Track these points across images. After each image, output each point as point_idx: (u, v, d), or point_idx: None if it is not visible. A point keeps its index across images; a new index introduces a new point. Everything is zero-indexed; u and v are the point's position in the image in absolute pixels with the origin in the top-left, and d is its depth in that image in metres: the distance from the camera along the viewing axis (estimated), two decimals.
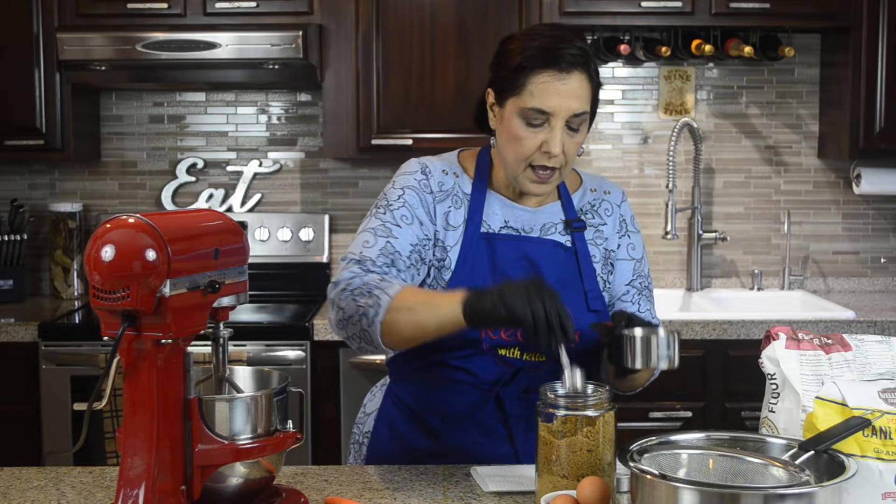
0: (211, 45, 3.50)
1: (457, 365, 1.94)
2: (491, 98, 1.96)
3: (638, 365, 1.73)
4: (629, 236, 2.08)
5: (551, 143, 1.87)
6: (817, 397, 1.61)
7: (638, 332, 1.73)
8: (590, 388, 1.69)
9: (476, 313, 1.68)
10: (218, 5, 3.62)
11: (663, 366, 1.73)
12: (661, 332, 1.73)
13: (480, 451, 1.97)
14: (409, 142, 3.65)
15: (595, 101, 1.93)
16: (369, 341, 1.83)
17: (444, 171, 2.02)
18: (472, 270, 1.95)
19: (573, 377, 1.66)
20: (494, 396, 1.96)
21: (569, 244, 2.01)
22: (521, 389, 1.96)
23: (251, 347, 3.36)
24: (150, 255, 1.47)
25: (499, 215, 2.00)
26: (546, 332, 1.63)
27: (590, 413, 1.64)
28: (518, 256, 1.97)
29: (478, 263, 1.95)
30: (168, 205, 4.00)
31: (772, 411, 1.70)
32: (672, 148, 3.78)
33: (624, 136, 4.04)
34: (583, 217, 2.04)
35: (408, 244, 1.93)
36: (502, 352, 1.94)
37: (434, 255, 1.97)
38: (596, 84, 1.92)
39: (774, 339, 1.72)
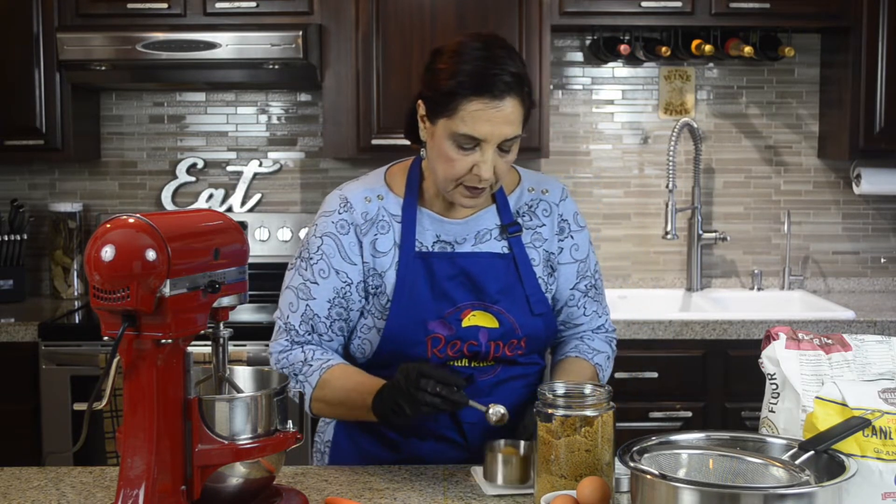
0: (211, 45, 3.50)
1: None
2: (422, 110, 1.93)
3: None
4: (572, 237, 2.06)
5: (482, 168, 1.85)
6: (817, 397, 1.61)
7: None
8: (588, 389, 1.69)
9: (386, 420, 1.84)
10: (218, 5, 3.62)
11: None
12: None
13: (439, 459, 1.98)
14: (409, 142, 3.63)
15: (527, 121, 1.90)
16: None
17: (366, 198, 2.00)
18: (412, 292, 1.94)
19: (496, 411, 1.75)
20: None
21: (506, 250, 1.99)
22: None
23: (251, 347, 3.36)
24: (150, 255, 1.48)
25: (430, 231, 1.98)
26: (446, 407, 1.74)
27: (588, 413, 1.64)
28: (455, 273, 1.96)
29: (416, 285, 1.95)
30: (168, 205, 4.00)
31: (772, 411, 1.70)
32: (672, 148, 3.78)
33: (624, 136, 4.04)
34: (519, 219, 2.02)
35: (325, 301, 1.96)
36: (451, 363, 1.96)
37: (370, 283, 1.97)
38: (528, 105, 1.88)
39: (774, 339, 1.72)
